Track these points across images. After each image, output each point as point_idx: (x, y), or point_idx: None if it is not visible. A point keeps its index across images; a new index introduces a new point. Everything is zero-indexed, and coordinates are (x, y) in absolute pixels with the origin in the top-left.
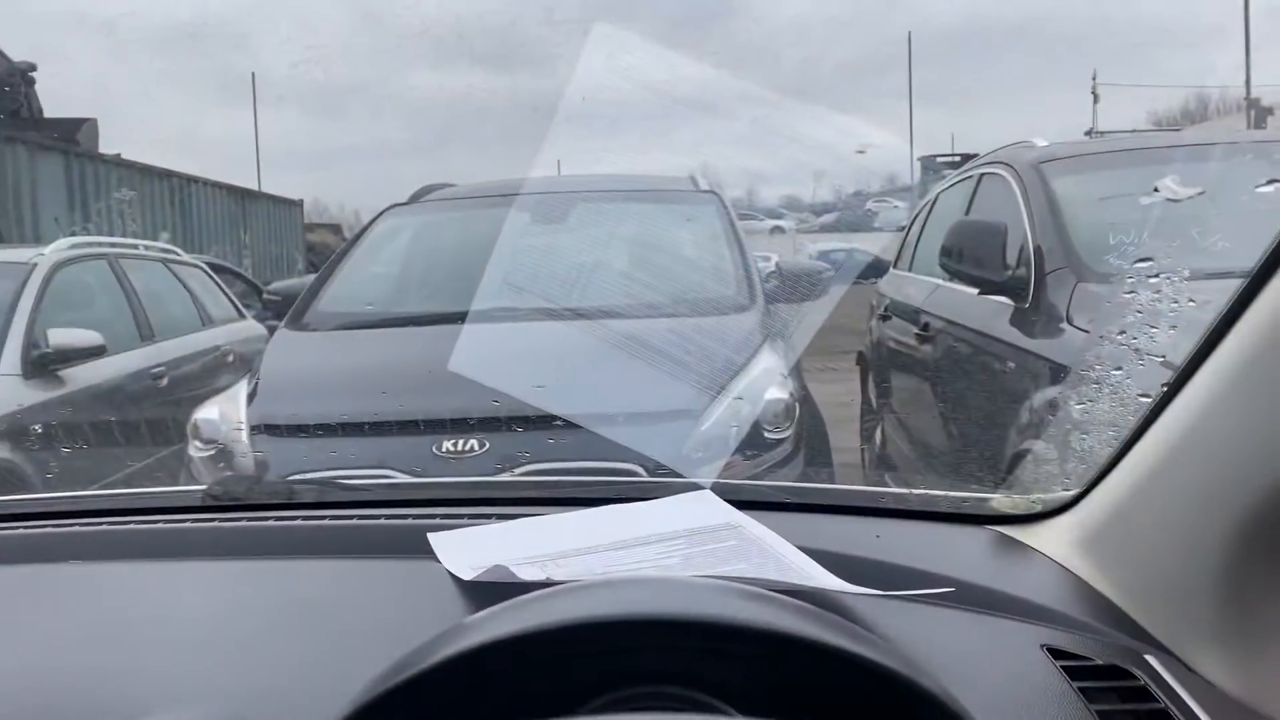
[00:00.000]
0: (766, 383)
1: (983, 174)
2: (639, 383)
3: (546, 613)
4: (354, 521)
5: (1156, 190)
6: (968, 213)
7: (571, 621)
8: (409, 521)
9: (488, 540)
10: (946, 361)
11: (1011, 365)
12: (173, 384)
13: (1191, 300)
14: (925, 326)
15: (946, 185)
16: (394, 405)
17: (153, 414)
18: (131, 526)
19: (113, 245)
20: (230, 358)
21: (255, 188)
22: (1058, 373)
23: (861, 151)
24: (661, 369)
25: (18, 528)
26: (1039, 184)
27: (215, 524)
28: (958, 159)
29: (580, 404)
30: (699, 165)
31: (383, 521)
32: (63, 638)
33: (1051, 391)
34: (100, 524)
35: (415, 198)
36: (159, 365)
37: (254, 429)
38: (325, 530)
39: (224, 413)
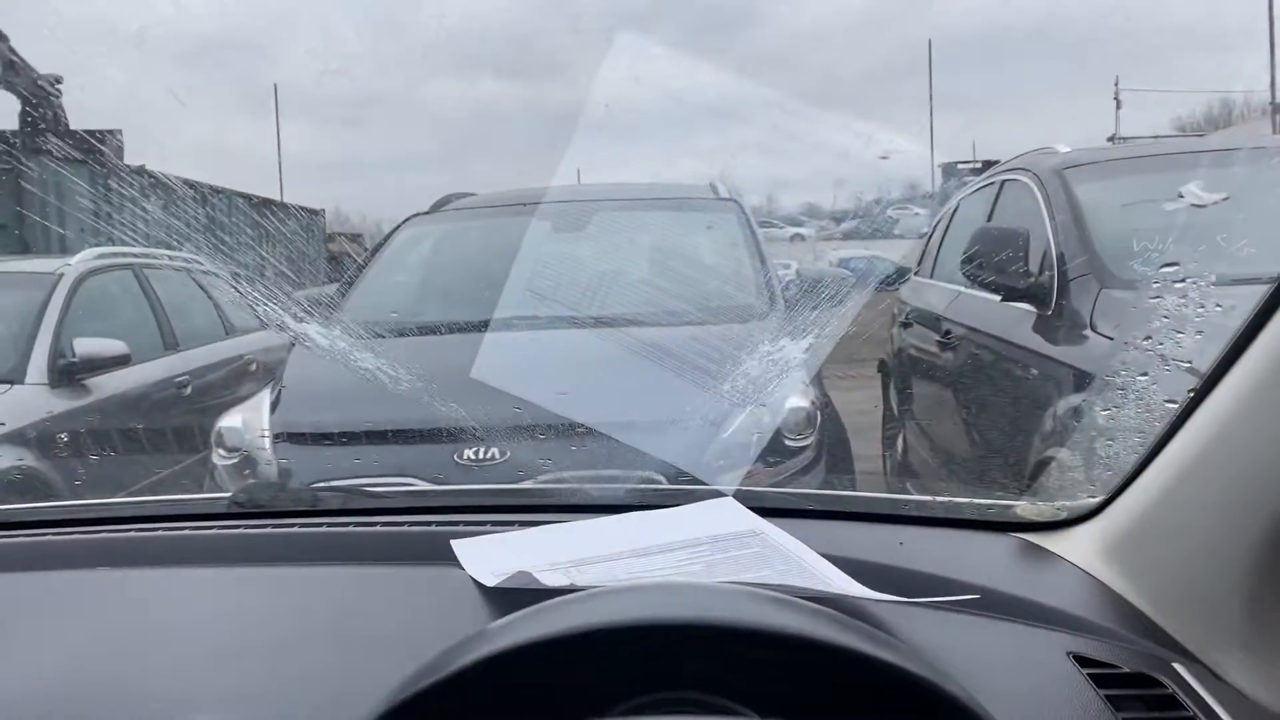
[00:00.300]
0: (788, 390)
1: (1004, 180)
2: (660, 390)
3: (571, 618)
4: (378, 529)
5: (1181, 196)
6: (989, 219)
7: (596, 626)
8: (432, 529)
9: (511, 547)
10: (969, 369)
11: (1034, 372)
12: (197, 392)
13: (1218, 305)
14: (947, 334)
15: (968, 192)
16: (416, 413)
17: (177, 422)
18: (159, 533)
19: (137, 255)
20: (253, 366)
21: (278, 198)
22: (1081, 379)
23: (885, 157)
24: (683, 376)
25: (46, 534)
26: (1061, 190)
27: (240, 531)
28: (979, 165)
29: (602, 411)
30: (719, 172)
31: (406, 529)
32: (91, 642)
33: (1075, 398)
34: (127, 530)
35: (436, 207)
36: (183, 374)
37: (277, 437)
38: (349, 537)
39: (247, 421)
